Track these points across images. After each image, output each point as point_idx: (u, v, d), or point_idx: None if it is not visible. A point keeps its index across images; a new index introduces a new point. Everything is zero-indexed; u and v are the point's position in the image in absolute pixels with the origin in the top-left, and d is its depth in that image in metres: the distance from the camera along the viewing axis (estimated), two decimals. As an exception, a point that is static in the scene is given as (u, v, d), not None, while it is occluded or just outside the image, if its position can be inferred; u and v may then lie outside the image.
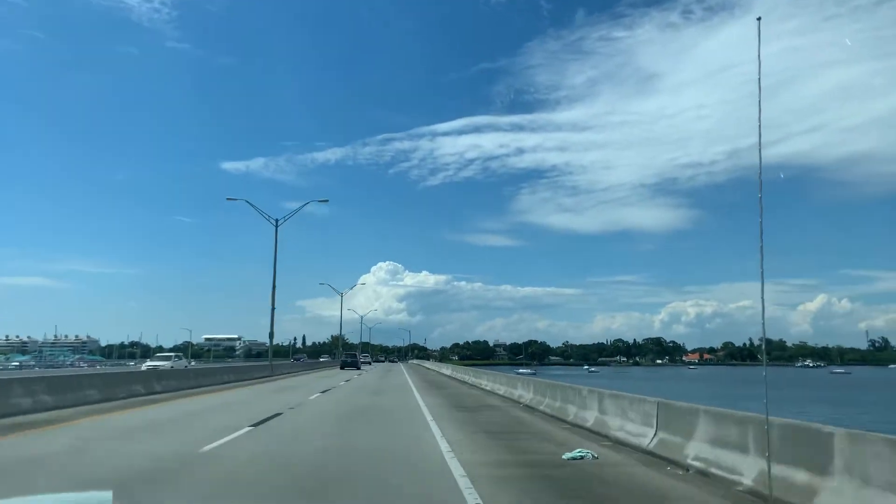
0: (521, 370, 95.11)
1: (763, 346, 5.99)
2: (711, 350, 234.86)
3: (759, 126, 6.22)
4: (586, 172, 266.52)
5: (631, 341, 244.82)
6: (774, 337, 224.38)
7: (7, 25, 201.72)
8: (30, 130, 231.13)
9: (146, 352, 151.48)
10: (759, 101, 6.20)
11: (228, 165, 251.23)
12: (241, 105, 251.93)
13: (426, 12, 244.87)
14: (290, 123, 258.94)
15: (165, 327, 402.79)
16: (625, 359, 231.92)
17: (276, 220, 38.19)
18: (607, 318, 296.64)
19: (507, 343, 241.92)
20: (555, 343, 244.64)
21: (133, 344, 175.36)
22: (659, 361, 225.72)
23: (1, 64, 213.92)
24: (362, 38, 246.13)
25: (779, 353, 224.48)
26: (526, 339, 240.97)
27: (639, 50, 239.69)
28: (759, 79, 6.16)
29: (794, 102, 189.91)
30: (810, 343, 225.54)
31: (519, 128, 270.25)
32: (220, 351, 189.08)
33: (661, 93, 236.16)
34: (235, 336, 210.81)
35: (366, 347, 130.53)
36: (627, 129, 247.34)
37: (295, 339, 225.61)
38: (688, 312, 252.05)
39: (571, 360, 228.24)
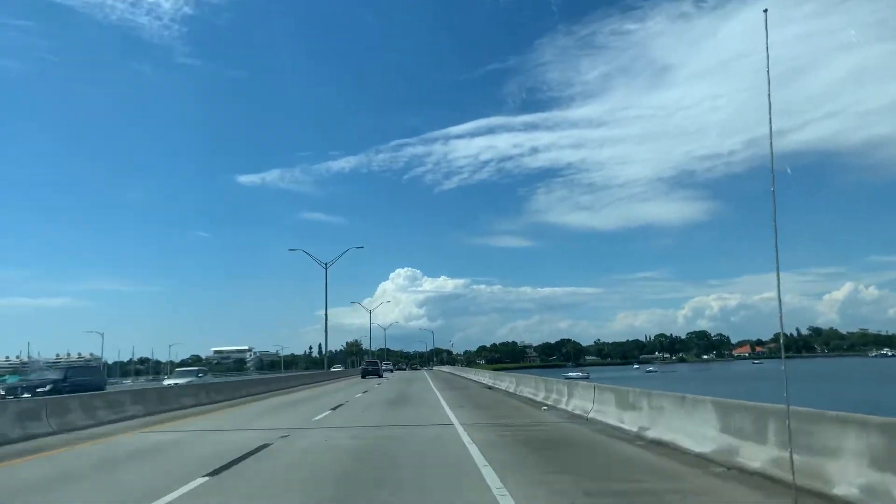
0: (570, 374, 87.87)
1: (781, 340, 6.11)
2: (759, 342, 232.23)
3: (770, 117, 6.38)
4: (602, 169, 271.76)
5: (670, 335, 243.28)
6: (797, 328, 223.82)
7: (19, 48, 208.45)
8: (47, 151, 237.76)
9: (155, 367, 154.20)
10: (769, 93, 6.36)
11: (244, 179, 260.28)
12: (253, 117, 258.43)
13: (433, 15, 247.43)
14: (303, 134, 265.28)
15: (190, 341, 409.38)
16: (667, 355, 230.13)
17: None
18: (629, 316, 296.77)
19: (534, 344, 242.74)
20: (580, 342, 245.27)
21: (141, 360, 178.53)
22: (706, 357, 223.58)
23: (15, 86, 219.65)
24: (370, 44, 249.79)
25: (837, 343, 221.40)
26: (548, 340, 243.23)
27: (651, 42, 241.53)
28: (768, 70, 6.33)
29: (811, 88, 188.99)
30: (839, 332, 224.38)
31: (533, 127, 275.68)
32: (230, 364, 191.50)
33: (675, 84, 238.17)
34: (246, 347, 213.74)
35: (383, 354, 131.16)
36: (643, 122, 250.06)
37: (311, 347, 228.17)
38: (711, 306, 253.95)
39: (608, 358, 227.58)
